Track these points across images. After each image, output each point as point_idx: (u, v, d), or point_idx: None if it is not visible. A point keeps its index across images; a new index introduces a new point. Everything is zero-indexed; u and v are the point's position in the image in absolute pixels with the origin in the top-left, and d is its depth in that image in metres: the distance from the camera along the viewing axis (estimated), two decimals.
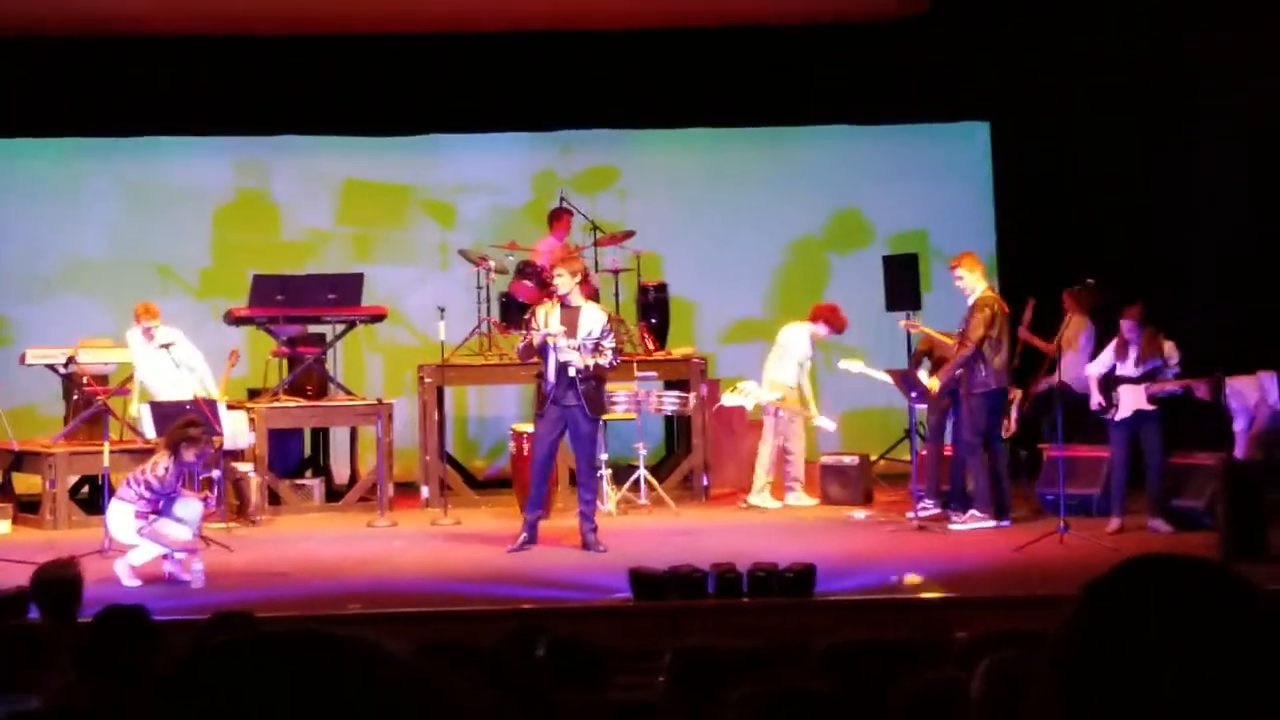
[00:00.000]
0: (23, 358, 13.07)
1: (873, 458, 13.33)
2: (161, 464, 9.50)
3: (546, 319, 10.48)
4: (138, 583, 9.17)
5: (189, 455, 9.63)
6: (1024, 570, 9.23)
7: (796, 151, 15.84)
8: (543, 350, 10.39)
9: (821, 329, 12.80)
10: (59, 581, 6.13)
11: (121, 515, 9.52)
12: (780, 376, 12.74)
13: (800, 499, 12.75)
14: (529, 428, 11.96)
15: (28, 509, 12.44)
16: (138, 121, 14.83)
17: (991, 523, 11.14)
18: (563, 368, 10.43)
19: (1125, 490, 10.95)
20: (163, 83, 14.51)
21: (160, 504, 9.46)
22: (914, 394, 11.52)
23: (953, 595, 8.52)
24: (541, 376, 10.52)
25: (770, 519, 12.12)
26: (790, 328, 12.93)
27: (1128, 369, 10.85)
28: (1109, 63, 13.61)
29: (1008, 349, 11.34)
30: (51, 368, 13.04)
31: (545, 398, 10.46)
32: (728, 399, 12.79)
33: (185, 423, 9.83)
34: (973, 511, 11.29)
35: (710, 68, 14.90)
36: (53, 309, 14.99)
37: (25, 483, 12.90)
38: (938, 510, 11.59)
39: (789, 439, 12.75)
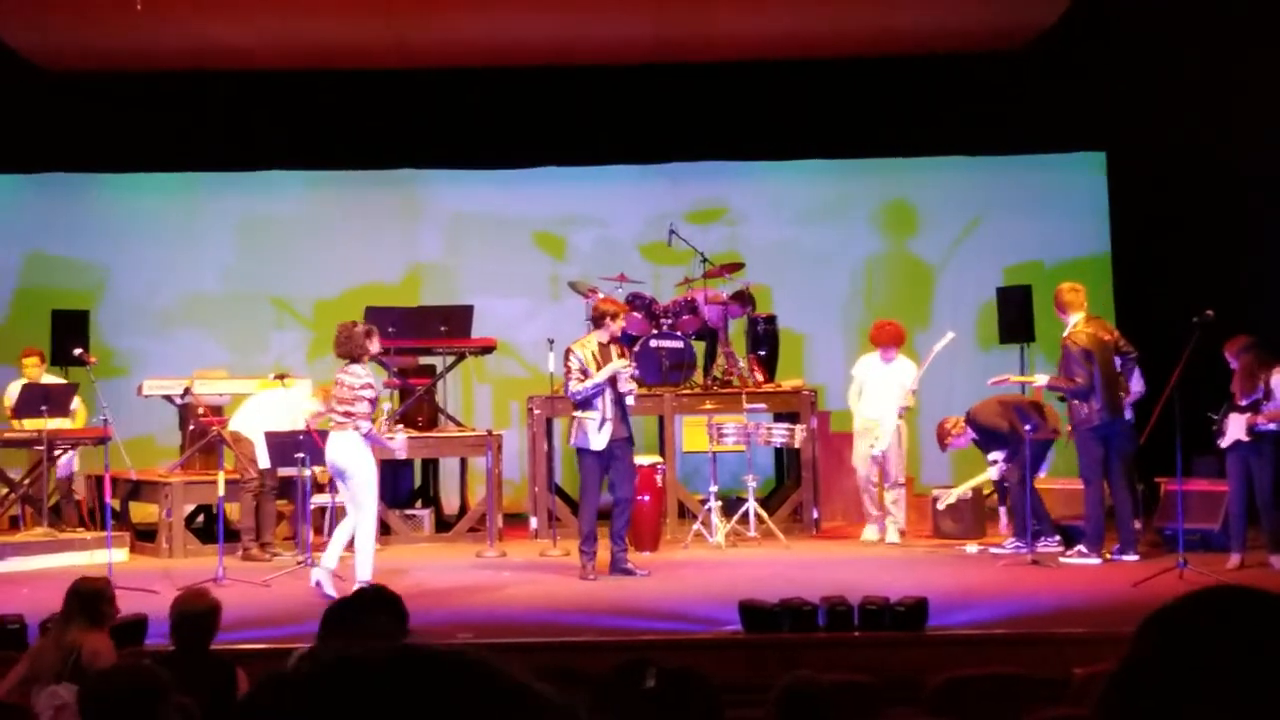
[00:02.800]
0: (140, 389, 13.27)
1: (986, 491, 13.14)
2: (361, 374, 9.84)
3: (596, 357, 10.63)
4: (334, 594, 9.16)
5: (375, 346, 10.09)
6: (1142, 606, 8.90)
7: (908, 183, 15.73)
8: (600, 387, 10.55)
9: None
10: (200, 614, 6.28)
11: (346, 443, 9.75)
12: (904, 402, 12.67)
13: (893, 534, 12.55)
14: (638, 460, 11.95)
15: (145, 537, 12.62)
16: (251, 156, 15.06)
17: (1096, 560, 10.97)
18: (621, 400, 10.58)
19: (1244, 525, 10.71)
20: (276, 118, 14.73)
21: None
22: (1029, 425, 11.35)
23: (1069, 631, 8.35)
24: (587, 414, 10.59)
25: (882, 553, 12.00)
26: (904, 358, 12.84)
27: (1239, 399, 10.71)
28: (1227, 88, 13.37)
29: (1105, 383, 11.09)
30: (168, 398, 13.24)
31: (600, 434, 10.55)
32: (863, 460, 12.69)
33: (353, 325, 10.10)
34: (1079, 547, 11.15)
35: (820, 99, 14.84)
36: (169, 341, 15.25)
37: (142, 511, 13.10)
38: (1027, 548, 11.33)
39: (898, 467, 12.62)
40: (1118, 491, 11.20)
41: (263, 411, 12.15)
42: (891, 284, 15.80)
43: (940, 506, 12.60)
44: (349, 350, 9.92)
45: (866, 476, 12.57)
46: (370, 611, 4.63)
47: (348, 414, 9.77)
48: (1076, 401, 11.15)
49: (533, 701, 1.40)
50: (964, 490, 12.35)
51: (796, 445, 12.97)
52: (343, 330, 10.06)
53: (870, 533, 12.60)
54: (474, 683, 1.39)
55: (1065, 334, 11.26)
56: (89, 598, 6.59)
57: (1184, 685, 1.48)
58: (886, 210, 15.85)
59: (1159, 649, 1.51)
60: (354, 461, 9.76)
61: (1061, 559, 11.12)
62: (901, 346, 12.85)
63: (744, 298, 13.74)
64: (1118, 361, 11.28)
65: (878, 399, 12.62)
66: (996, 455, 11.87)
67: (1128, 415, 11.53)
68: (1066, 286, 11.52)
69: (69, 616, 6.57)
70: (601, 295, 13.02)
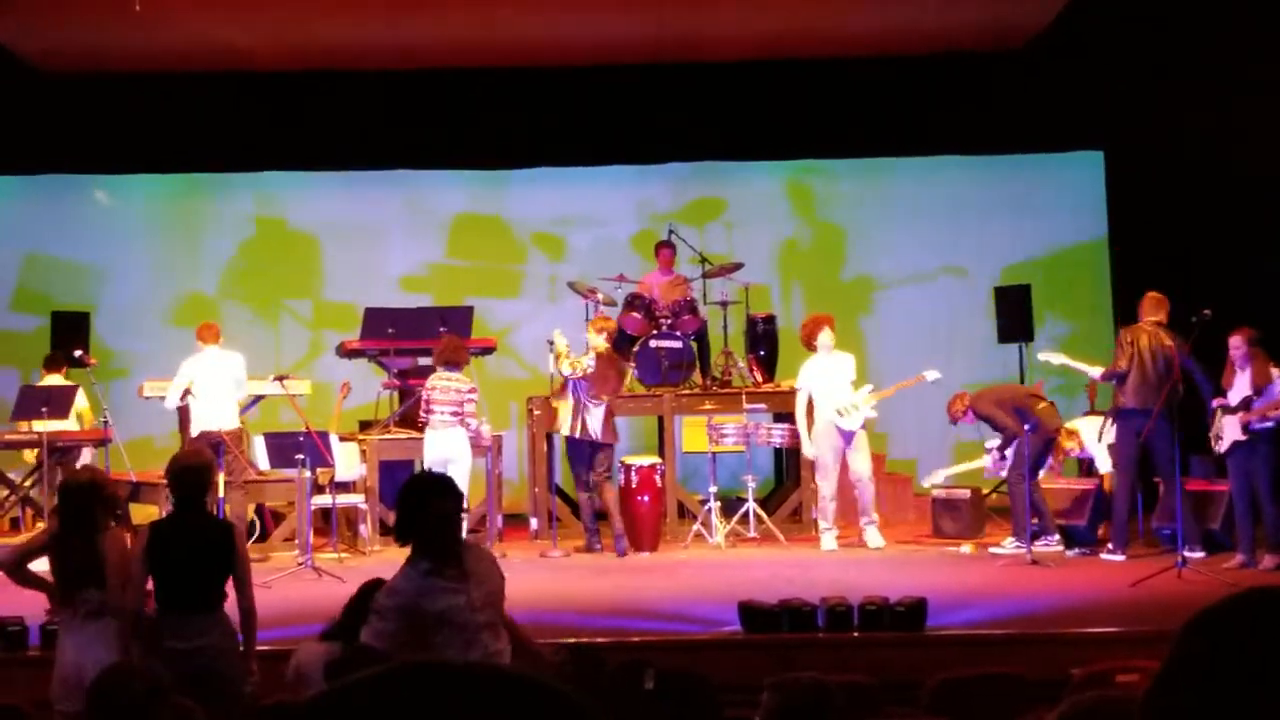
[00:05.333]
0: (141, 390, 13.28)
1: (985, 491, 13.14)
2: (466, 380, 11.54)
3: None
4: None
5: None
6: (1141, 606, 9.03)
7: (906, 183, 15.74)
8: None
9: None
10: (192, 469, 6.44)
11: (459, 438, 11.42)
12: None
13: (878, 538, 12.23)
14: (638, 460, 12.01)
15: None
16: (250, 157, 15.07)
17: (1120, 556, 11.00)
18: None
19: (1247, 525, 10.69)
20: (274, 119, 14.74)
21: None
22: (1028, 425, 11.36)
23: (1068, 631, 8.37)
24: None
25: (881, 553, 11.96)
26: (840, 353, 12.47)
27: (1230, 398, 10.65)
28: (1226, 87, 13.38)
29: (1139, 372, 11.06)
30: None
31: None
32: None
33: (458, 336, 12.00)
34: (1108, 544, 11.21)
35: (819, 99, 14.84)
36: (168, 343, 15.24)
37: (142, 513, 13.08)
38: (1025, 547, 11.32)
39: (866, 466, 12.24)
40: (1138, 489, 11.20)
41: (209, 393, 12.09)
42: (888, 282, 15.79)
43: (926, 484, 12.54)
44: (455, 358, 11.55)
45: (831, 494, 12.10)
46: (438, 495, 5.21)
47: (457, 414, 11.37)
48: (1115, 383, 11.22)
49: (568, 704, 1.42)
50: (955, 473, 12.31)
51: (797, 445, 12.94)
52: (452, 341, 11.77)
53: (829, 541, 12.09)
54: (511, 689, 1.42)
55: None
56: (86, 498, 6.40)
57: (1228, 687, 1.48)
58: (883, 210, 15.84)
59: (1202, 651, 1.52)
60: (466, 454, 11.42)
61: (1067, 553, 11.30)
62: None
63: (660, 247, 13.99)
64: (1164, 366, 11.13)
65: (829, 401, 12.16)
66: (993, 444, 11.84)
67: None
68: (1149, 295, 11.47)
69: (78, 522, 6.36)
70: (602, 296, 13.06)
